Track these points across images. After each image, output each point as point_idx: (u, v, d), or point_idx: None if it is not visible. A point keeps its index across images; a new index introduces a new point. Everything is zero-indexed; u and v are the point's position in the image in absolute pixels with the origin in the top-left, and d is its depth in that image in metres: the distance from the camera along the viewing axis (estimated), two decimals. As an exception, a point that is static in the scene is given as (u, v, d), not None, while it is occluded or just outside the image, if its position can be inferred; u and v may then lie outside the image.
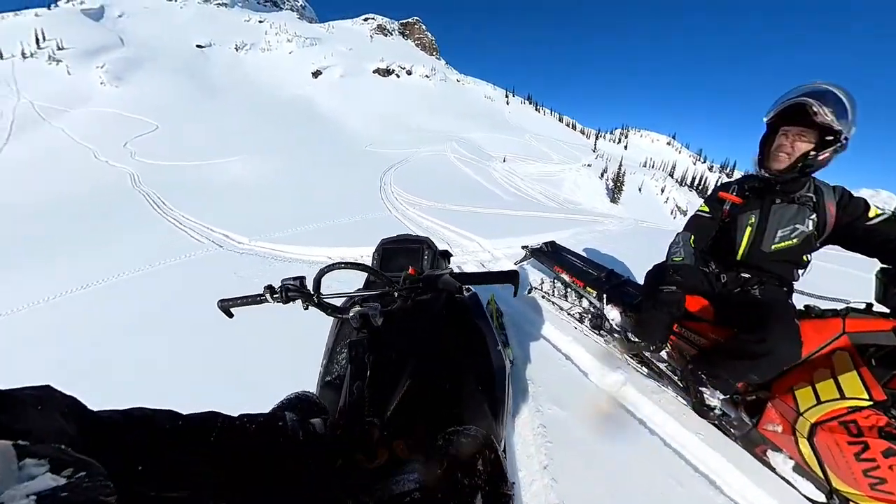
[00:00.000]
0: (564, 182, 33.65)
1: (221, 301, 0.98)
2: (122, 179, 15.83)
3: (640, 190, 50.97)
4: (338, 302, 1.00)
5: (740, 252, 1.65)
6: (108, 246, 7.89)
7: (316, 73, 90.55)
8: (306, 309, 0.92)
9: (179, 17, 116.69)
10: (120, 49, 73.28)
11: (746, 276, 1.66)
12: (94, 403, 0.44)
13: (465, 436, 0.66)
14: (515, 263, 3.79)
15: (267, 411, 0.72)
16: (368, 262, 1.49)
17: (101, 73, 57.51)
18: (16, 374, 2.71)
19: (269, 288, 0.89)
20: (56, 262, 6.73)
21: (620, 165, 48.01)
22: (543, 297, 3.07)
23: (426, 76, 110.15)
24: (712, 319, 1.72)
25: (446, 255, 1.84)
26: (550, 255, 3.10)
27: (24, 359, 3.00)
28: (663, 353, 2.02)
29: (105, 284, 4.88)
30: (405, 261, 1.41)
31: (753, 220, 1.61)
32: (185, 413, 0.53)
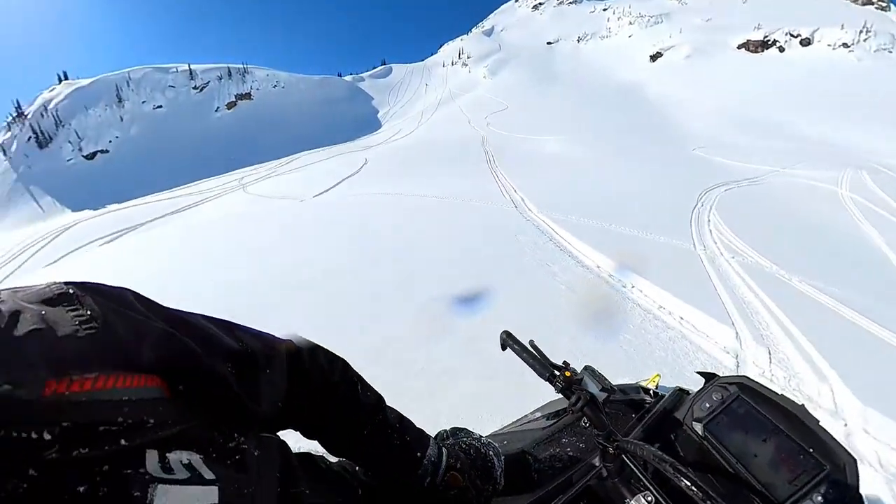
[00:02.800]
0: None
1: (506, 334, 0.81)
2: (477, 139, 21.54)
3: None
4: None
5: None
6: (461, 171, 11.73)
7: (655, 56, 78.24)
8: (587, 425, 0.73)
9: (538, 22, 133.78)
10: (497, 53, 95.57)
11: None
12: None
13: None
14: None
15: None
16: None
17: (484, 71, 77.89)
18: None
19: (560, 375, 0.72)
20: (437, 176, 10.45)
21: None
22: None
23: (843, 45, 60.38)
24: None
25: None
26: None
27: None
28: None
29: (456, 202, 7.15)
30: (761, 450, 0.65)
31: None
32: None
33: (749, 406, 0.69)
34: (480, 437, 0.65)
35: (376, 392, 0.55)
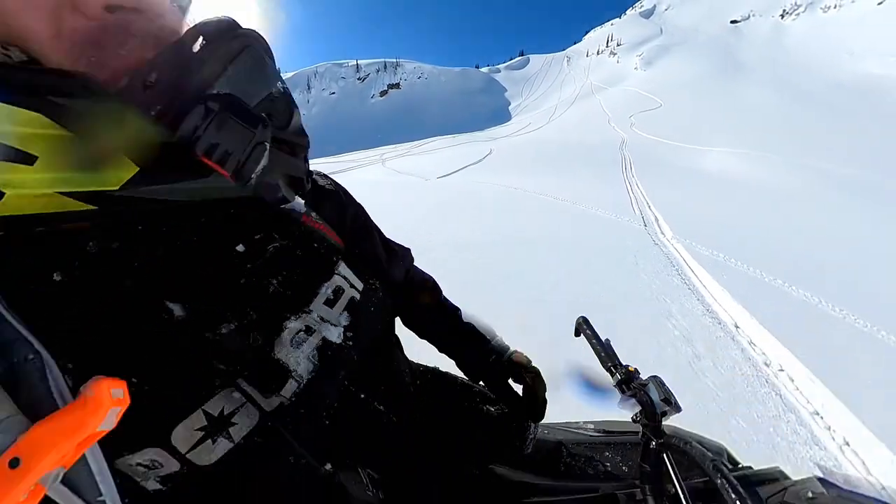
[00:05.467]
0: None
1: (583, 319, 0.79)
2: (616, 141, 19.12)
3: None
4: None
5: None
6: (587, 173, 10.37)
7: None
8: (635, 421, 0.63)
9: None
10: (658, 38, 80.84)
11: None
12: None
13: None
14: None
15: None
16: None
17: (637, 60, 67.76)
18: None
19: (626, 374, 0.66)
20: (557, 175, 9.53)
21: None
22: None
23: None
24: None
25: None
26: None
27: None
28: None
29: (572, 206, 6.35)
30: None
31: None
32: None
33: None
34: None
35: (454, 305, 0.74)
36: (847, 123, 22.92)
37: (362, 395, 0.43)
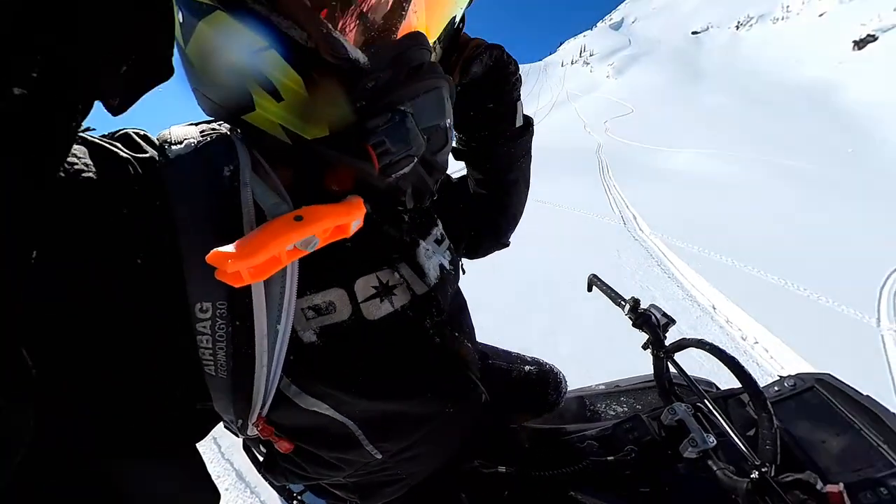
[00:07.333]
0: None
1: (594, 276, 0.93)
2: (592, 146, 19.65)
3: None
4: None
5: None
6: (566, 177, 10.62)
7: (861, 42, 56.01)
8: (645, 348, 0.76)
9: (682, 8, 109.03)
10: (627, 49, 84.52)
11: None
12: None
13: None
14: None
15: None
16: None
17: (608, 69, 70.63)
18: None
19: (634, 302, 0.80)
20: (537, 182, 10.25)
21: None
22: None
23: None
24: None
25: None
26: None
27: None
28: None
29: (554, 208, 6.68)
30: (830, 439, 0.62)
31: None
32: None
33: (824, 398, 0.66)
34: None
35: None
36: (794, 121, 24.50)
37: (448, 328, 0.52)
